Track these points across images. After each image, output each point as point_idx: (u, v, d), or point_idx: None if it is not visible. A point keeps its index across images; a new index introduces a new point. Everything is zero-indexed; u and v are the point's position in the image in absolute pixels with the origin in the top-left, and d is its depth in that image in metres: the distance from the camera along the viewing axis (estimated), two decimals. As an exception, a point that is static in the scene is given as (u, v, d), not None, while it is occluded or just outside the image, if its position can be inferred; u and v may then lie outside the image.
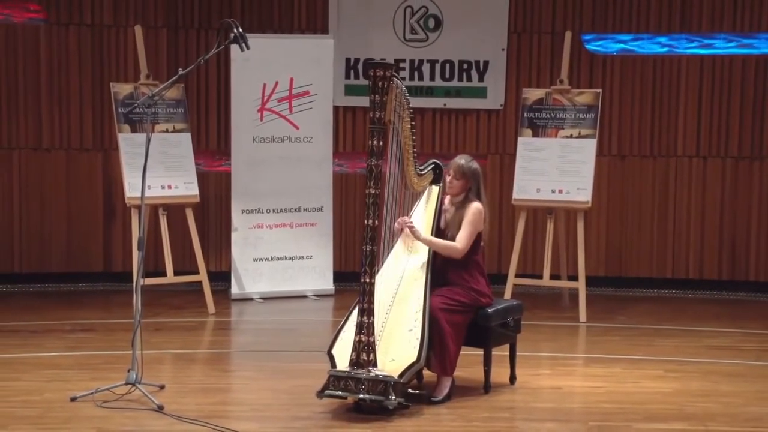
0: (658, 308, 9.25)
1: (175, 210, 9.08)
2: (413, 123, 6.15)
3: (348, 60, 9.98)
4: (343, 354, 5.91)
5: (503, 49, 9.91)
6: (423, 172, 6.36)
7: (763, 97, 9.73)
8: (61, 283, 9.78)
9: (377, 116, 5.86)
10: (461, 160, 6.31)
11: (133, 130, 8.75)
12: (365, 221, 5.85)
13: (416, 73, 9.97)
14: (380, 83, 5.86)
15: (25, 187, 9.75)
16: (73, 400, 5.96)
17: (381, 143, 5.86)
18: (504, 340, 6.45)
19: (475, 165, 6.32)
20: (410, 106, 6.10)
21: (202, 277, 8.83)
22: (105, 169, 9.82)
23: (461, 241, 6.17)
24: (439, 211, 6.36)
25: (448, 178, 6.34)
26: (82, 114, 9.77)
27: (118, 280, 9.73)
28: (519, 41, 9.94)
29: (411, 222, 6.22)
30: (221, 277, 9.64)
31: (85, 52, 9.73)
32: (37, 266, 9.81)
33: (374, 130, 5.85)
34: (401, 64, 9.93)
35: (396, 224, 6.27)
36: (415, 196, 6.44)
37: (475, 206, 6.24)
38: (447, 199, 6.41)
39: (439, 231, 6.31)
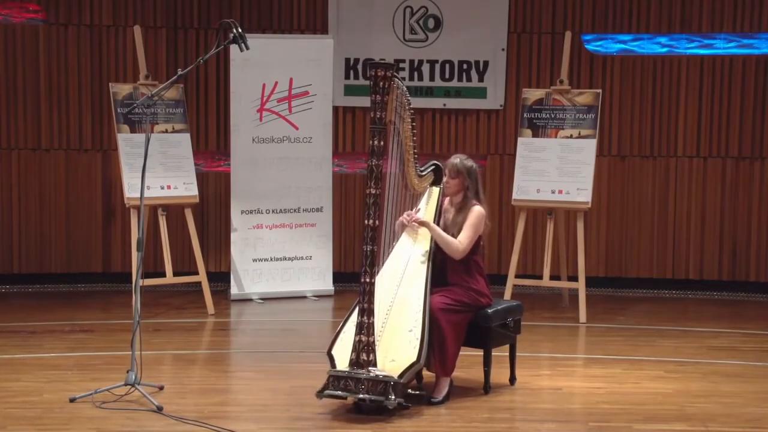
0: (658, 309, 9.25)
1: (174, 210, 9.07)
2: (414, 123, 6.14)
3: (347, 60, 9.97)
4: (342, 354, 5.90)
5: (503, 50, 9.91)
6: (423, 174, 6.35)
7: (763, 97, 9.73)
8: (61, 283, 9.78)
9: (378, 116, 5.85)
10: (456, 159, 6.29)
11: (133, 131, 8.74)
12: (365, 221, 5.85)
13: (416, 74, 9.97)
14: (381, 83, 5.85)
15: (24, 188, 9.74)
16: (72, 400, 5.96)
17: (381, 143, 5.85)
18: (504, 341, 6.45)
19: (470, 163, 6.30)
20: (411, 106, 6.09)
21: (202, 277, 8.82)
22: (104, 170, 9.82)
23: (463, 242, 6.16)
24: (439, 212, 6.36)
25: (444, 179, 6.33)
26: (81, 114, 9.77)
27: (118, 281, 9.73)
28: (519, 41, 9.93)
29: (415, 215, 6.21)
30: (221, 278, 9.64)
31: (85, 53, 9.73)
32: (36, 267, 9.80)
33: (375, 130, 5.84)
34: (401, 65, 9.92)
35: (401, 219, 6.25)
36: (416, 198, 6.44)
37: (477, 210, 6.22)
38: (447, 201, 6.40)
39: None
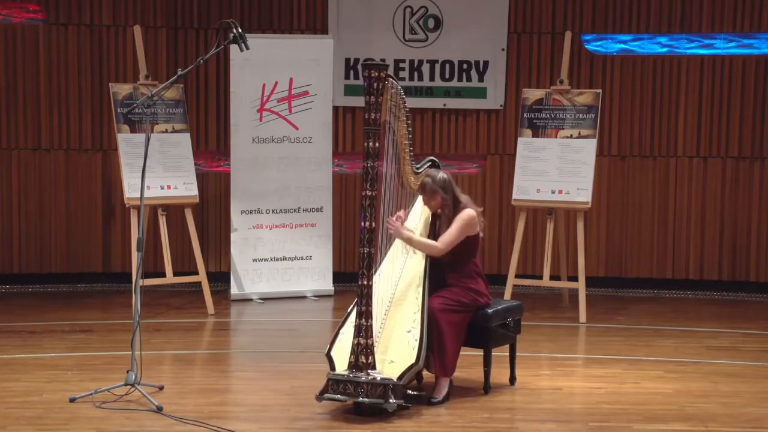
0: (658, 309, 9.24)
1: (174, 210, 9.07)
2: (409, 122, 6.13)
3: (347, 60, 9.97)
4: (341, 355, 5.89)
5: (503, 50, 9.91)
6: (419, 171, 6.34)
7: (763, 97, 9.72)
8: (61, 283, 9.78)
9: (372, 117, 5.83)
10: (427, 179, 6.22)
11: (133, 131, 8.74)
12: (362, 223, 5.83)
13: (416, 74, 9.97)
14: (375, 84, 5.83)
15: (24, 188, 9.74)
16: (72, 400, 5.96)
17: (376, 145, 5.83)
18: (504, 341, 6.45)
19: (440, 176, 6.22)
20: (406, 105, 6.08)
21: (202, 277, 8.82)
22: (104, 170, 9.82)
23: (443, 241, 6.12)
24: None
25: (424, 198, 6.32)
26: (81, 114, 9.77)
27: (118, 281, 9.73)
28: (519, 41, 9.93)
29: (392, 224, 6.18)
30: (221, 278, 9.64)
31: (85, 53, 9.73)
32: (37, 267, 9.80)
33: (369, 131, 5.82)
34: (401, 65, 9.93)
35: (398, 214, 6.25)
36: (413, 195, 6.43)
37: (467, 212, 6.19)
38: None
39: (435, 234, 6.30)
